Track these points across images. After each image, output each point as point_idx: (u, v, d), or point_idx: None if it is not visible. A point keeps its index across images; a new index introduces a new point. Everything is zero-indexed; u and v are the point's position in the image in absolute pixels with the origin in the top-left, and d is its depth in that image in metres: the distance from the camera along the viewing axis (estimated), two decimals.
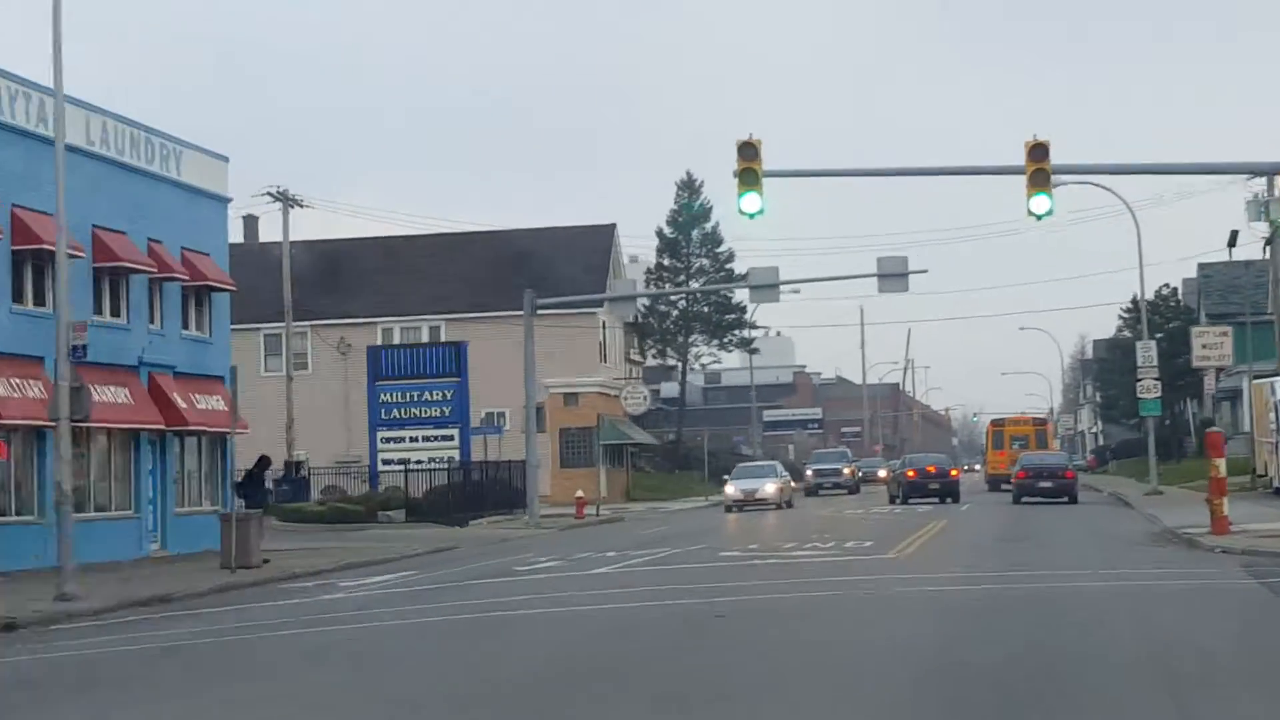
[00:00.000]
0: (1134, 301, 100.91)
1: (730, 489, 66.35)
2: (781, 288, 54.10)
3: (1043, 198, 33.86)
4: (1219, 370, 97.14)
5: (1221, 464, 36.62)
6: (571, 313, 77.56)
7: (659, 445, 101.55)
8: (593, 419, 78.49)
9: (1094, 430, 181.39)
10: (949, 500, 64.83)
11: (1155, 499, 60.57)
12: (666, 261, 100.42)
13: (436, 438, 62.00)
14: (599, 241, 79.76)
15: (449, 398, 62.19)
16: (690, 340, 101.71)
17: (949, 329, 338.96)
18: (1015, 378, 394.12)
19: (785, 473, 72.53)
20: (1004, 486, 72.20)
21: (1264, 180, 51.49)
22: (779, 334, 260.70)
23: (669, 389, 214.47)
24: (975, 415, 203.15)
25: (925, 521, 49.27)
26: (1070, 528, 44.80)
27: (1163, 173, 50.03)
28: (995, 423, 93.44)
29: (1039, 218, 34.20)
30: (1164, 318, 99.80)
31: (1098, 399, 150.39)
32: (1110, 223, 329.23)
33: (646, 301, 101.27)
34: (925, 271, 55.66)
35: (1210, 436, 39.52)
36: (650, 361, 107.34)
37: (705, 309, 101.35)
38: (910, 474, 65.00)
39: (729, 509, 64.92)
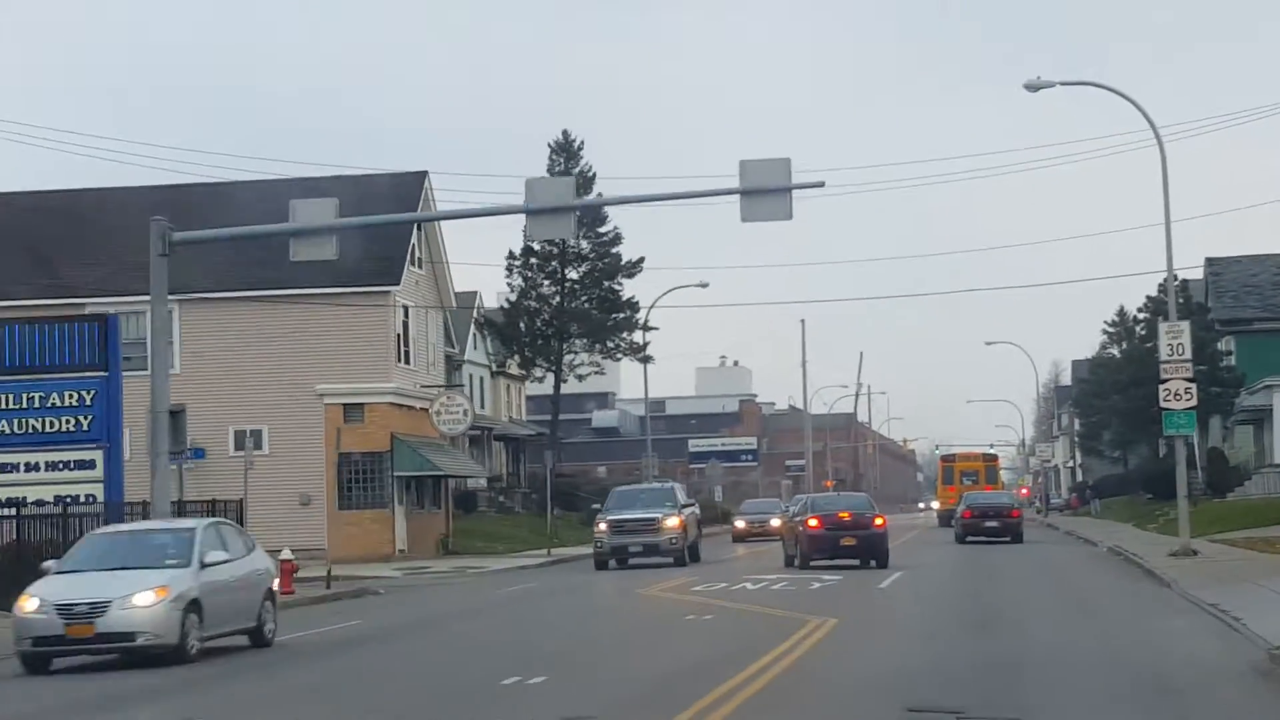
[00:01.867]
0: (1146, 304, 77.90)
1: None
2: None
3: None
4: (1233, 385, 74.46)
5: None
6: (353, 291, 54.33)
7: (501, 480, 78.10)
8: (385, 440, 55.10)
9: (1069, 464, 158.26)
10: (872, 563, 41.82)
11: (1192, 566, 37.49)
12: (536, 245, 77.28)
13: (64, 464, 38.68)
14: (403, 192, 56.34)
15: (89, 402, 38.75)
16: (567, 346, 78.37)
17: (912, 352, 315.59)
18: (985, 408, 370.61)
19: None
20: (954, 523, 66.21)
21: None
22: (735, 363, 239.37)
23: (603, 418, 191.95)
24: (938, 448, 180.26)
25: (803, 618, 26.09)
26: (1085, 653, 21.46)
27: None
28: (945, 458, 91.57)
29: None
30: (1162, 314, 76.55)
31: (1076, 428, 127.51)
32: (1089, 237, 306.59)
33: (510, 297, 77.94)
34: (820, 184, 32.47)
35: None
36: (514, 370, 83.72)
37: (586, 305, 78.14)
38: (813, 524, 41.68)
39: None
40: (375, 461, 54.90)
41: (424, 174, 56.97)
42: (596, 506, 57.27)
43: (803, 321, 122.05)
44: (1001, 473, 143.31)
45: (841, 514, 41.77)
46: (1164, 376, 42.35)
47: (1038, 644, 21.58)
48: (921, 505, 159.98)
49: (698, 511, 52.16)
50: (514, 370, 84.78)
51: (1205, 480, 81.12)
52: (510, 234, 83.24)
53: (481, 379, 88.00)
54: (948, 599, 30.67)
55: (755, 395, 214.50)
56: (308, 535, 53.25)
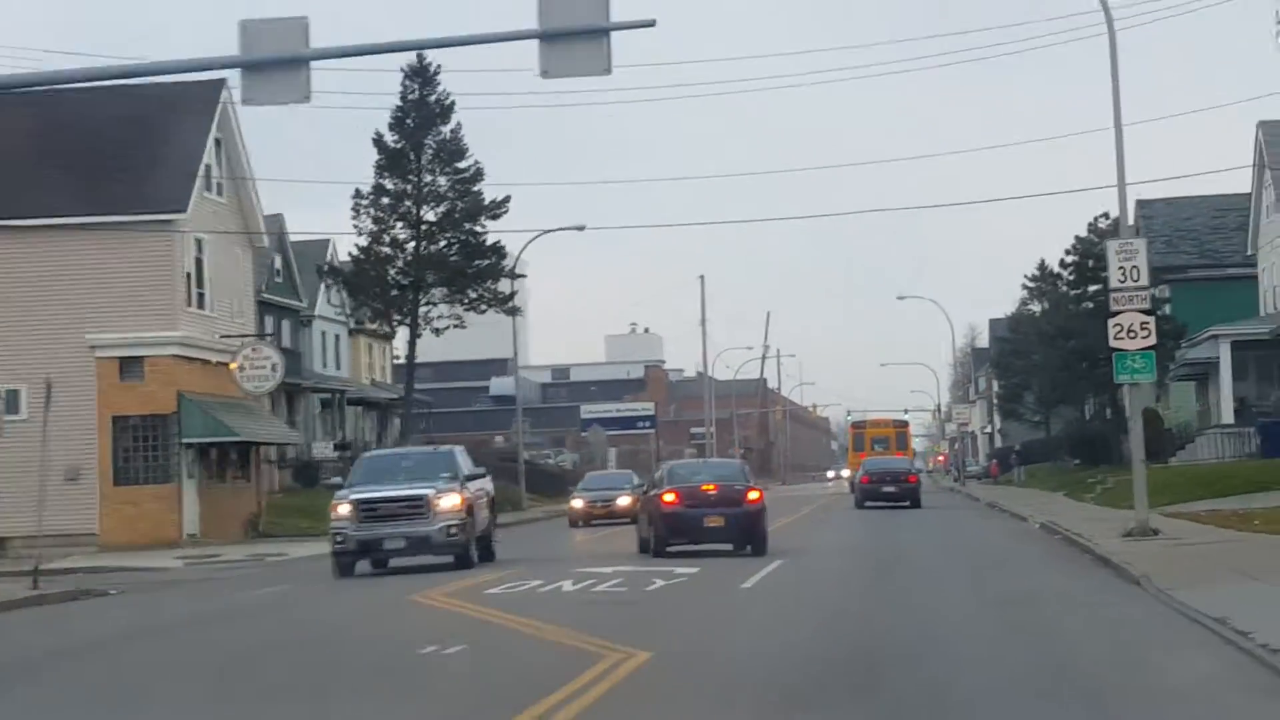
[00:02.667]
0: (1074, 245, 68.68)
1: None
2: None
3: None
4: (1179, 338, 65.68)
5: None
6: (129, 221, 44.30)
7: (352, 450, 68.02)
8: (170, 401, 45.14)
9: (987, 430, 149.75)
10: (747, 548, 32.39)
11: (1158, 551, 28.30)
12: (389, 184, 67.30)
13: None
14: (196, 101, 46.19)
15: None
16: (424, 297, 68.45)
17: (824, 315, 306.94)
18: (900, 373, 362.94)
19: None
20: (852, 488, 66.83)
21: None
22: (646, 330, 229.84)
23: (501, 385, 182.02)
24: (850, 414, 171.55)
25: (601, 650, 16.52)
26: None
27: None
28: (856, 425, 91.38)
29: None
30: (1098, 265, 67.32)
31: (995, 390, 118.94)
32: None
33: (361, 243, 67.97)
34: (651, 23, 23.05)
35: None
36: (377, 328, 73.86)
37: (445, 249, 68.22)
38: (670, 500, 31.98)
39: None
40: (158, 426, 44.93)
41: (222, 82, 46.69)
42: (337, 481, 45.76)
43: (701, 278, 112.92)
44: (914, 439, 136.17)
45: (706, 486, 32.16)
46: (1115, 308, 33.10)
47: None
48: (830, 474, 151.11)
49: (489, 488, 35.22)
50: (377, 328, 74.96)
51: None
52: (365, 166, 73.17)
53: (337, 337, 78.06)
54: (831, 610, 21.25)
55: (663, 362, 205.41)
56: (76, 517, 43.43)
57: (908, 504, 56.71)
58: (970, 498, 69.15)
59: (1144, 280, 32.95)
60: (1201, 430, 63.82)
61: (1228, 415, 61.08)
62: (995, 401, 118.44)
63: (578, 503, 54.91)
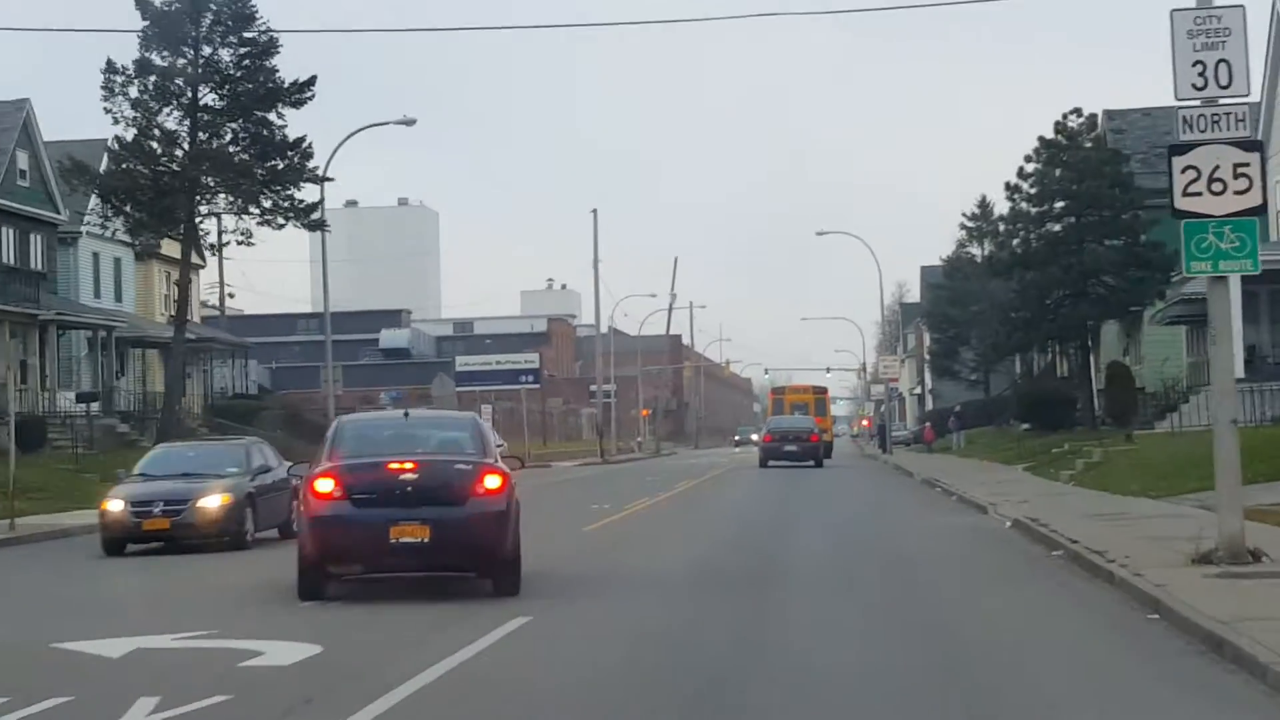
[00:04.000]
0: (1036, 151, 52.62)
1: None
2: None
3: None
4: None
5: None
6: None
7: (122, 402, 51.74)
8: None
9: (916, 391, 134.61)
10: (487, 584, 16.53)
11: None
12: (157, 58, 50.90)
13: None
14: None
15: None
16: (204, 203, 52.15)
17: (746, 270, 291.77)
18: (824, 330, 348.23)
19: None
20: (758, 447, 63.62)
21: None
22: (564, 286, 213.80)
23: (391, 338, 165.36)
24: (768, 373, 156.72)
25: None
26: None
27: None
28: (775, 390, 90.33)
29: None
30: (1070, 176, 51.68)
31: (927, 344, 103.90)
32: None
33: (122, 134, 51.36)
34: None
35: None
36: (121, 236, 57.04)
37: (230, 144, 51.89)
38: (322, 489, 16.24)
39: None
40: None
41: None
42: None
43: (594, 212, 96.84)
44: (841, 402, 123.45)
45: (398, 466, 16.18)
46: (1185, 138, 17.51)
47: None
48: (736, 438, 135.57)
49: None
50: (139, 244, 58.73)
51: (1105, 407, 57.82)
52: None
53: (118, 260, 61.76)
54: None
55: (574, 316, 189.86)
56: None
57: (811, 464, 56.55)
58: (900, 470, 53.65)
59: (1240, 86, 17.34)
60: (1196, 388, 48.54)
61: (1237, 368, 45.71)
62: (927, 358, 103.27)
63: (115, 505, 25.61)
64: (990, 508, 29.27)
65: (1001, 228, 50.54)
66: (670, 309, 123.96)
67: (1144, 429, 48.26)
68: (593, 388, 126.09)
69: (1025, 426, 67.91)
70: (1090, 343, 56.27)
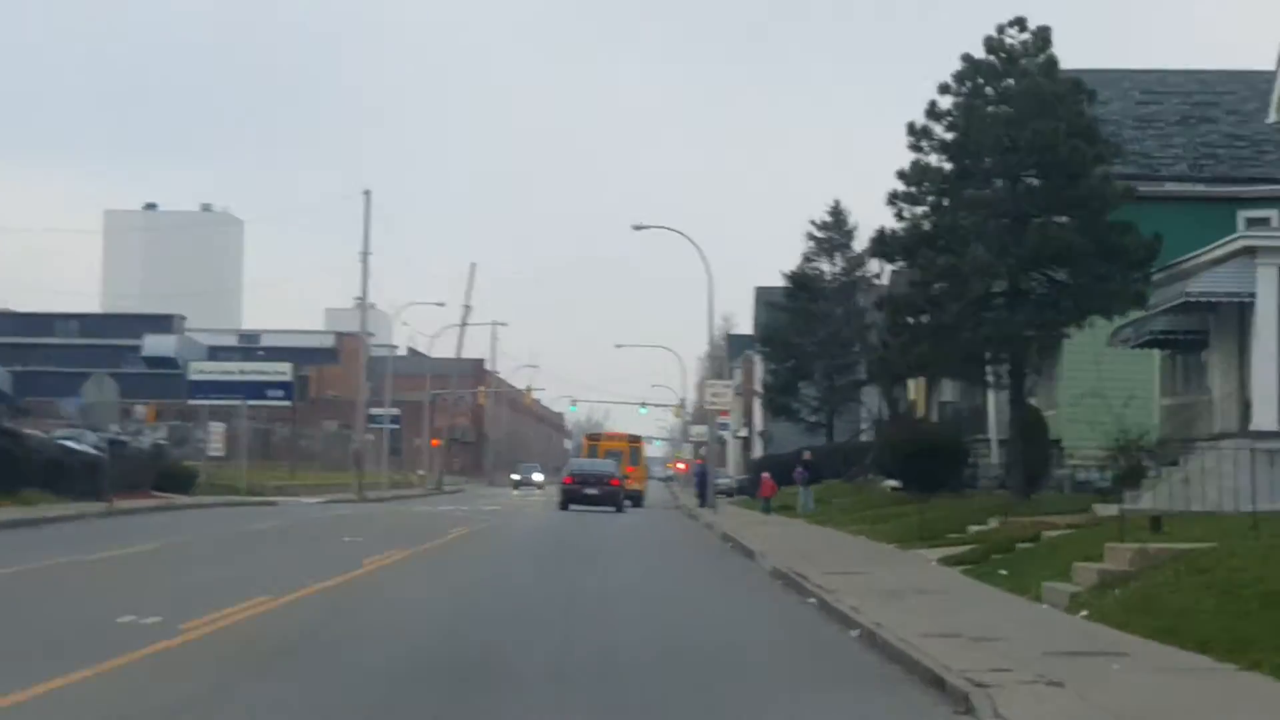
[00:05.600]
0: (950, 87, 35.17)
1: None
2: None
3: None
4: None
5: None
6: None
7: None
8: None
9: (742, 434, 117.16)
10: None
11: None
12: None
13: None
14: None
15: None
16: None
17: (553, 284, 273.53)
18: (643, 359, 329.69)
19: None
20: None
21: None
22: (374, 305, 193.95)
23: (157, 345, 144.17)
24: (575, 404, 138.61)
25: None
26: None
27: None
28: (591, 436, 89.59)
29: None
30: (1014, 111, 33.81)
31: (760, 377, 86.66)
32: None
33: None
34: None
35: None
36: None
37: None
38: None
39: None
40: None
41: None
42: None
43: (367, 193, 78.18)
44: (652, 444, 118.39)
45: None
46: None
47: None
48: (516, 477, 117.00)
49: None
50: None
51: (1005, 462, 41.55)
52: None
53: None
54: None
55: (373, 335, 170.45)
56: None
57: (612, 509, 55.49)
58: (732, 545, 34.87)
59: None
60: (1190, 442, 31.25)
61: (1266, 415, 28.56)
62: (759, 391, 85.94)
63: None
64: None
65: (901, 188, 32.51)
66: (464, 323, 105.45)
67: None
68: (373, 410, 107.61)
69: (893, 485, 50.71)
70: (1039, 364, 38.86)
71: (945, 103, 32.96)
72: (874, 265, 72.14)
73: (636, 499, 67.77)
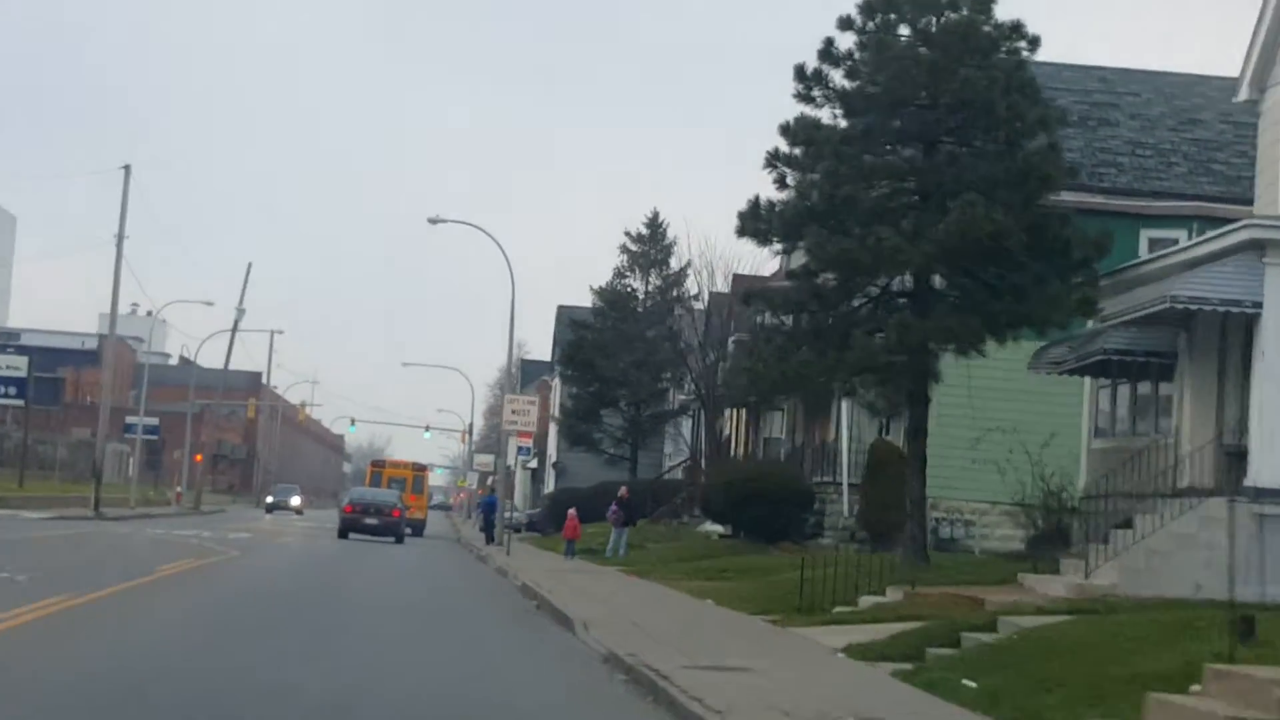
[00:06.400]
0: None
1: None
2: None
3: None
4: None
5: None
6: None
7: None
8: None
9: (531, 465, 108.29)
10: None
11: None
12: None
13: None
14: None
15: None
16: None
17: (337, 294, 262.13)
18: (432, 382, 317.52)
19: None
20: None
21: None
22: (150, 313, 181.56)
23: None
24: (354, 423, 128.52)
25: None
26: None
27: None
28: (376, 463, 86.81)
29: None
30: (937, 54, 25.94)
31: (559, 402, 78.57)
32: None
33: None
34: None
35: None
36: None
37: None
38: None
39: None
40: None
41: None
42: None
43: (126, 168, 67.98)
44: (435, 472, 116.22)
45: None
46: None
47: None
48: (270, 500, 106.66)
49: None
50: None
51: (858, 515, 34.02)
52: None
53: None
54: None
55: (140, 339, 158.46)
56: None
57: (392, 539, 53.02)
58: (547, 610, 25.94)
59: None
60: (1135, 498, 23.71)
61: (1272, 466, 21.03)
62: (559, 418, 77.59)
63: None
64: None
65: (785, 149, 24.45)
66: (235, 328, 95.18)
67: (1044, 568, 23.39)
68: (130, 419, 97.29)
69: (720, 530, 42.71)
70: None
71: (846, 42, 24.99)
72: (692, 286, 64.52)
73: (418, 528, 64.97)
